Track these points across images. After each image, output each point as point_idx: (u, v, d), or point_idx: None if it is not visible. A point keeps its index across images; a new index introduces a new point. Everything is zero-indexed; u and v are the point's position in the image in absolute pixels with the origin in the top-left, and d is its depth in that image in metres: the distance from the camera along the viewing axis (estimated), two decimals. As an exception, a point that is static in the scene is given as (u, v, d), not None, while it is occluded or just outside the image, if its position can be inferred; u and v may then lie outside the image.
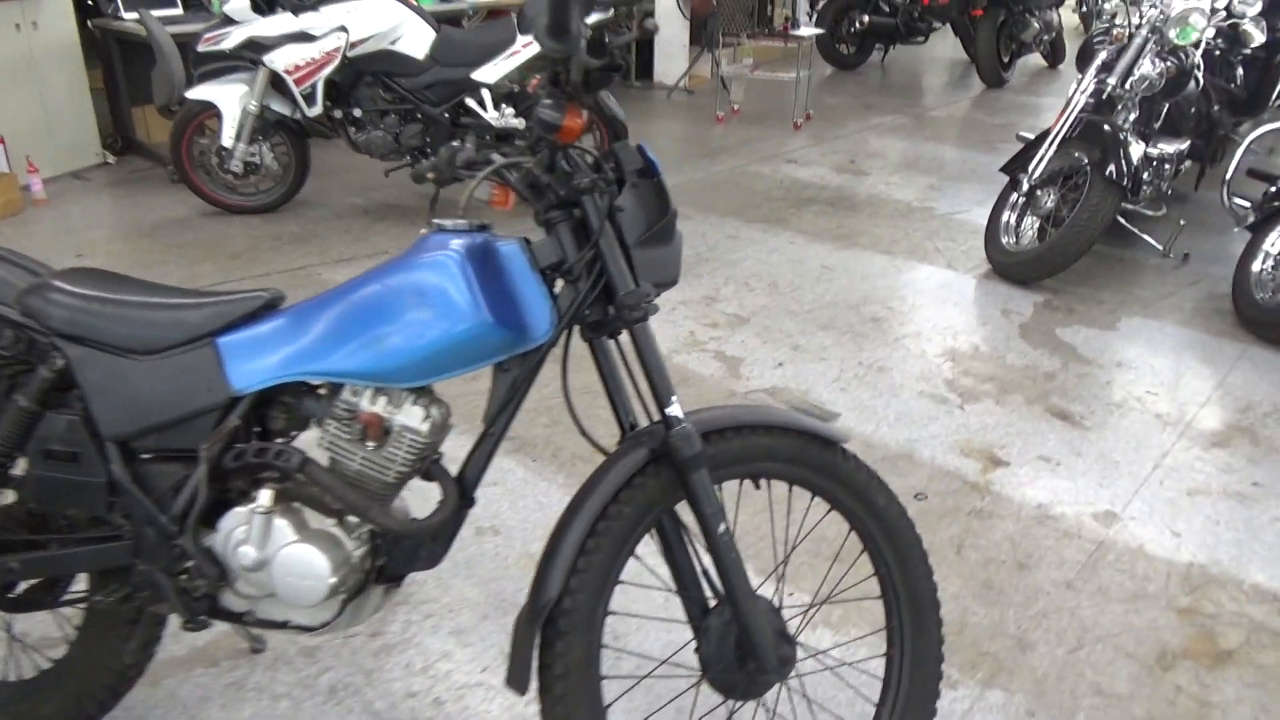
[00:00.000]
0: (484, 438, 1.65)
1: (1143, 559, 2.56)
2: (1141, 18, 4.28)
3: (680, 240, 1.64)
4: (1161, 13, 4.22)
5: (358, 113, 4.68)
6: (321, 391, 1.63)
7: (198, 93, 4.59)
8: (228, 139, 4.61)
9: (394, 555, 1.68)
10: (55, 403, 1.64)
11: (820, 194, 5.54)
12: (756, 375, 3.46)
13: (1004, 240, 4.37)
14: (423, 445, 1.59)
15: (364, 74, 4.60)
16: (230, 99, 4.55)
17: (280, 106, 4.62)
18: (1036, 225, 4.36)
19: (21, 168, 5.14)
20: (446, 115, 4.70)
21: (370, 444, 1.59)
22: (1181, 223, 4.66)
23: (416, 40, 4.59)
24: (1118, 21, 4.48)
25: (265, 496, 1.59)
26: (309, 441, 1.65)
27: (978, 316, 4.01)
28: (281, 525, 1.59)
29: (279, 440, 1.64)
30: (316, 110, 4.54)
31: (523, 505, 2.71)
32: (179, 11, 5.69)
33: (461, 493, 1.66)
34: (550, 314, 1.57)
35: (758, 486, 1.71)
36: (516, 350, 1.58)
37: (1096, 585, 2.45)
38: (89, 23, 5.79)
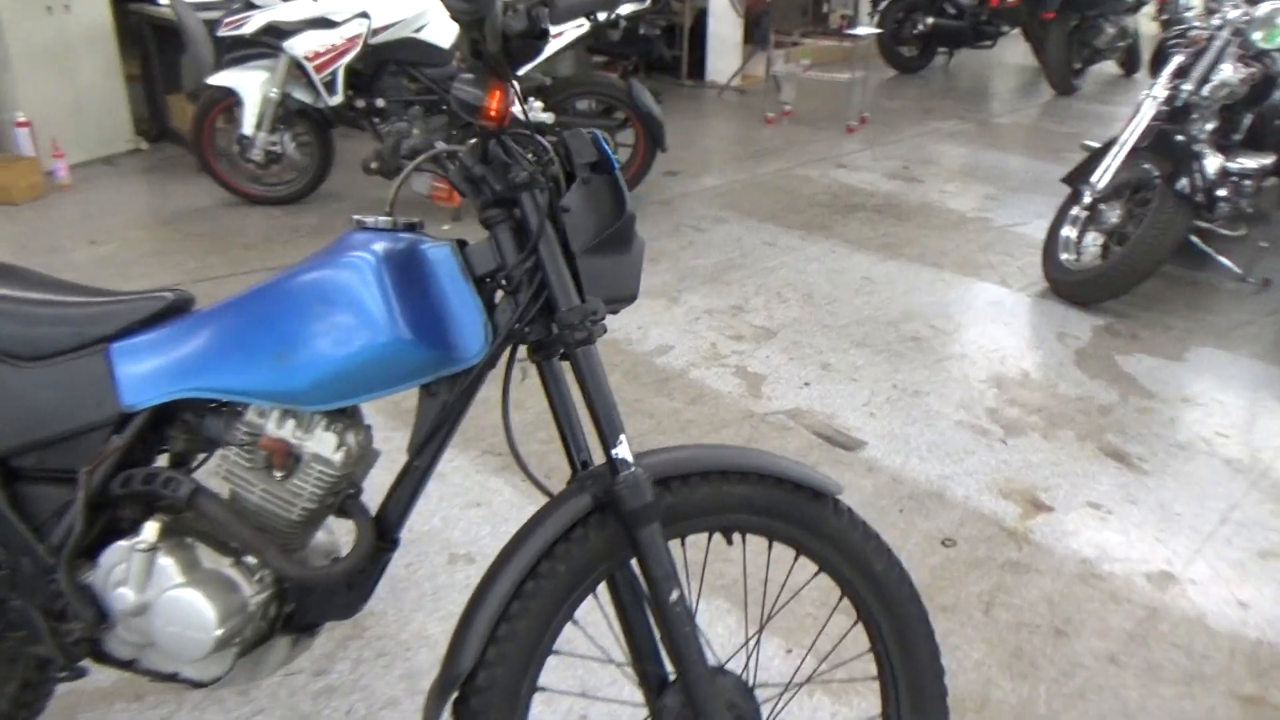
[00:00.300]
0: (407, 471, 1.42)
1: (1202, 632, 2.22)
2: (1222, 18, 3.89)
3: (641, 249, 1.38)
4: (1245, 13, 3.83)
5: (381, 103, 4.50)
6: (224, 411, 1.40)
7: (218, 79, 4.45)
8: (248, 127, 4.47)
9: (303, 602, 1.45)
10: None
11: (868, 200, 5.22)
12: (778, 395, 3.17)
13: (1063, 257, 4.01)
14: (333, 478, 1.36)
15: (387, 62, 4.42)
16: (251, 86, 4.40)
17: (302, 95, 4.46)
18: (1100, 242, 3.99)
19: (47, 152, 5.06)
20: (473, 107, 4.49)
21: (278, 474, 1.36)
22: (1263, 245, 4.25)
23: (442, 27, 4.39)
24: (1195, 21, 4.08)
25: (149, 530, 1.37)
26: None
27: (1030, 339, 3.67)
28: (166, 565, 1.36)
29: (174, 467, 1.43)
30: (337, 99, 4.37)
31: (505, 531, 2.46)
32: (214, -3, 5.58)
33: (381, 533, 1.42)
34: (483, 330, 1.33)
35: (729, 542, 1.44)
36: (443, 371, 1.34)
37: (1145, 661, 2.13)
38: (129, 5, 5.72)
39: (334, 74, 4.28)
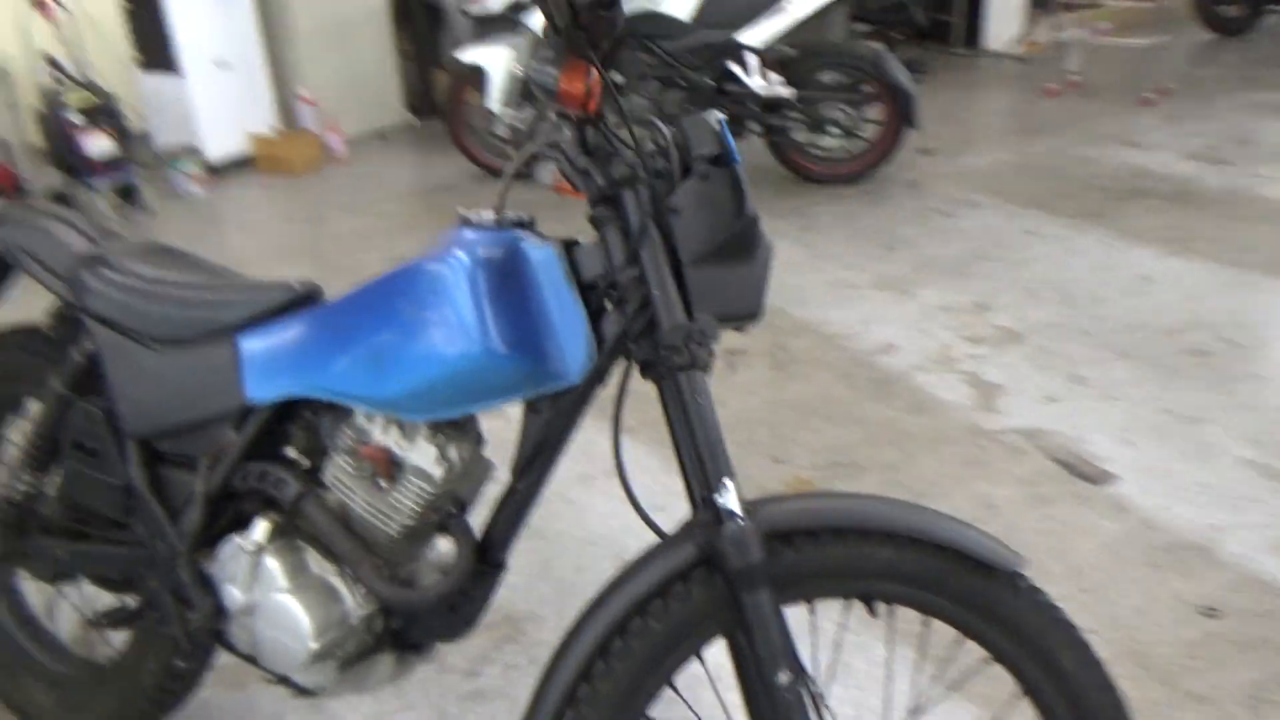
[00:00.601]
0: (510, 493, 1.28)
1: None
2: None
3: (768, 257, 1.16)
4: None
5: (619, 78, 4.42)
6: (336, 413, 1.33)
7: (466, 55, 4.57)
8: (493, 103, 4.56)
9: (409, 620, 1.36)
10: (89, 390, 1.49)
11: (1158, 185, 4.51)
12: (1015, 410, 2.77)
13: None
14: (431, 494, 1.25)
15: (625, 37, 4.32)
16: (496, 62, 4.48)
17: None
18: None
19: (326, 126, 5.46)
20: (710, 82, 4.31)
21: (383, 484, 1.28)
22: None
23: (680, 0, 4.24)
24: None
25: (258, 530, 1.33)
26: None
27: (1354, 362, 2.99)
28: (272, 567, 1.32)
29: (299, 466, 1.38)
30: (575, 74, 4.33)
31: (682, 540, 2.30)
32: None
33: (484, 557, 1.30)
34: (586, 345, 1.16)
35: (872, 613, 1.19)
36: (543, 388, 1.18)
37: None
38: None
39: (573, 49, 4.24)
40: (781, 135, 4.44)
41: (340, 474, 1.30)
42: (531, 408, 1.24)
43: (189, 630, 1.41)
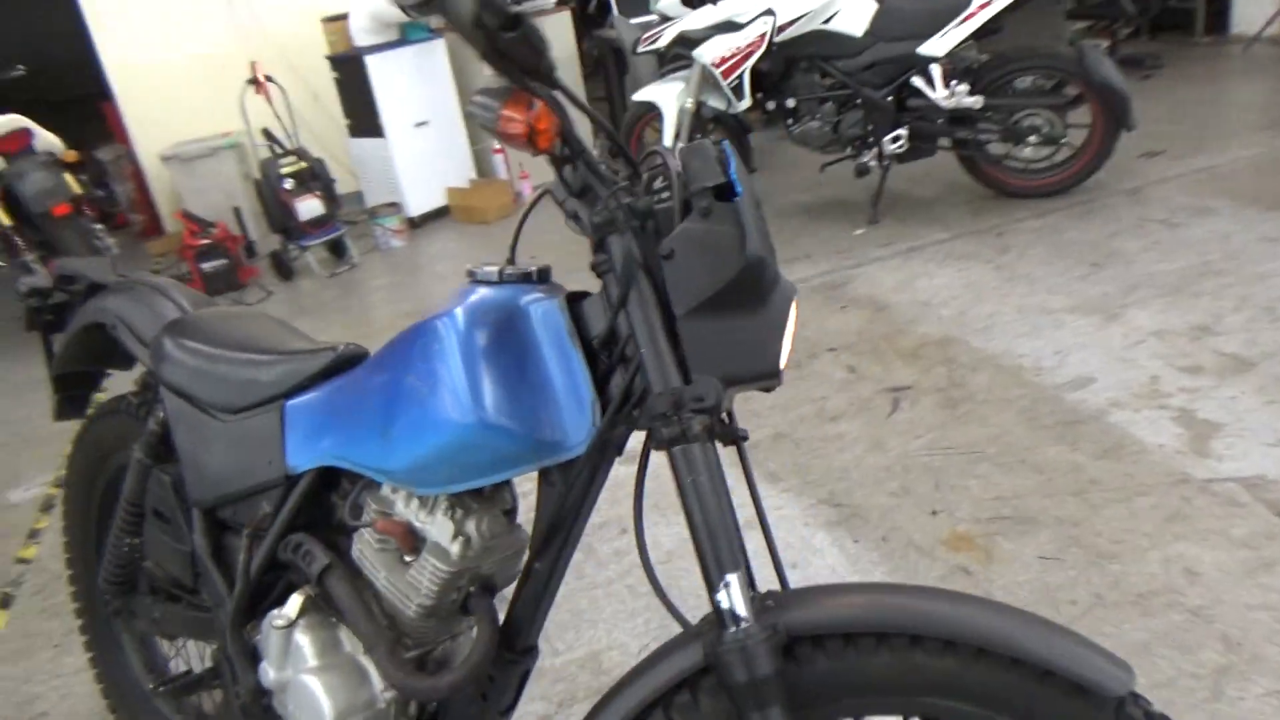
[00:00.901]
0: (528, 573, 1.16)
1: None
2: None
3: (787, 302, 0.98)
4: None
5: (792, 103, 4.25)
6: (363, 483, 1.27)
7: (641, 94, 4.55)
8: (668, 138, 4.50)
9: (442, 707, 1.27)
10: (165, 457, 1.52)
11: None
12: (1235, 454, 2.32)
13: None
14: (447, 573, 1.15)
15: (796, 59, 4.15)
16: (668, 98, 4.44)
17: (716, 102, 4.38)
18: None
19: (516, 174, 5.64)
20: (890, 99, 4.05)
21: (407, 559, 1.20)
22: None
23: (854, 15, 4.01)
24: None
25: (292, 605, 1.28)
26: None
27: None
28: (302, 644, 1.26)
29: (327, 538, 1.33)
30: (744, 104, 4.21)
31: (818, 604, 2.08)
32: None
33: (509, 642, 1.18)
34: (590, 410, 1.03)
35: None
36: (546, 460, 1.06)
37: None
38: (594, 32, 6.18)
39: (740, 78, 4.12)
40: (974, 149, 4.09)
41: (365, 548, 1.23)
42: (546, 478, 1.12)
43: (241, 703, 1.39)
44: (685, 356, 0.95)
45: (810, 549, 2.25)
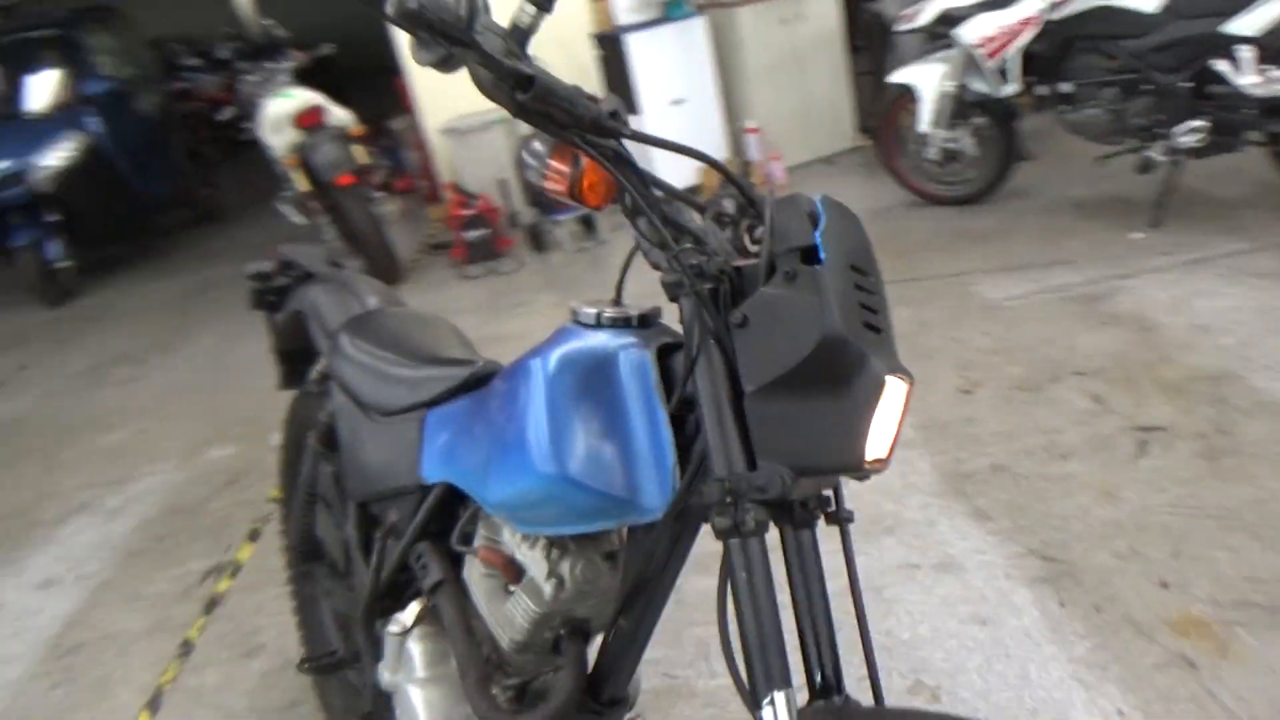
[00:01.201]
0: (614, 629, 1.10)
1: None
2: None
3: (878, 387, 0.83)
4: None
5: (1068, 87, 3.81)
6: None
7: (898, 75, 4.28)
8: (924, 124, 4.22)
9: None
10: (332, 448, 1.60)
11: None
12: None
13: None
14: (538, 612, 1.12)
15: (1074, 39, 3.71)
16: (927, 80, 4.13)
17: (980, 86, 4.02)
18: None
19: (769, 155, 5.51)
20: (1186, 85, 3.53)
21: (511, 589, 1.18)
22: None
23: (1148, -12, 3.52)
24: None
25: (409, 612, 1.31)
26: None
27: None
28: (413, 653, 1.29)
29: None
30: (1011, 88, 3.83)
31: (998, 673, 1.85)
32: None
33: (594, 692, 1.14)
34: (670, 473, 0.95)
35: None
36: (625, 519, 1.00)
37: None
38: (862, 4, 5.89)
39: (1004, 60, 3.75)
40: (1292, 145, 3.49)
41: (473, 571, 1.23)
42: (632, 534, 1.05)
43: (368, 693, 1.45)
44: (752, 439, 0.85)
45: (1007, 605, 2.02)
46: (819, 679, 0.90)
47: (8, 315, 6.32)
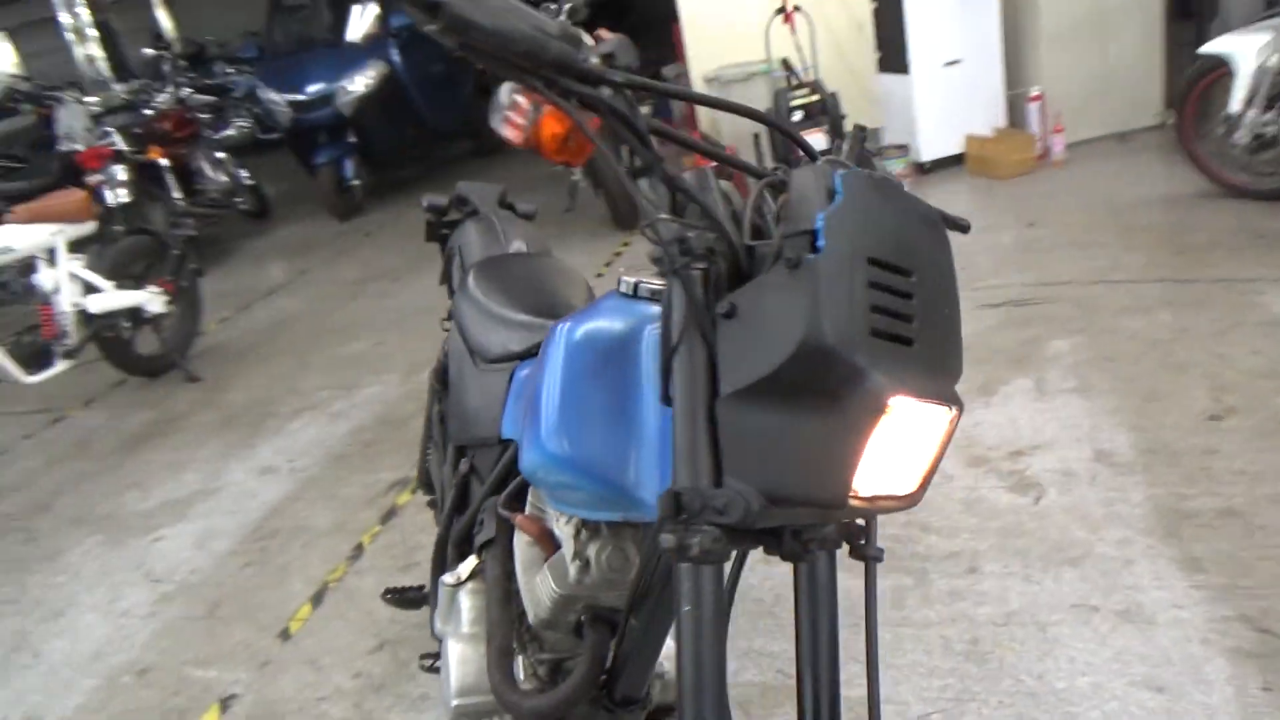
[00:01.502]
0: (625, 629, 1.01)
1: None
2: None
3: (876, 413, 0.67)
4: None
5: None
6: None
7: (1212, 45, 3.68)
8: (1237, 103, 3.62)
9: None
10: (445, 387, 1.61)
11: None
12: None
13: None
14: (559, 593, 1.06)
15: None
16: (1247, 52, 3.53)
17: (1314, 60, 3.38)
18: None
19: (1050, 127, 4.98)
20: None
21: (544, 556, 1.13)
22: None
23: None
24: None
25: (465, 565, 1.29)
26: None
27: None
28: (462, 606, 1.27)
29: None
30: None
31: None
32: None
33: (609, 689, 1.06)
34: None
35: None
36: (630, 513, 0.91)
37: None
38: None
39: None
40: None
41: (521, 536, 1.18)
42: (646, 531, 0.96)
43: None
44: (721, 454, 0.72)
45: (1195, 675, 1.70)
46: None
47: (304, 225, 7.06)
